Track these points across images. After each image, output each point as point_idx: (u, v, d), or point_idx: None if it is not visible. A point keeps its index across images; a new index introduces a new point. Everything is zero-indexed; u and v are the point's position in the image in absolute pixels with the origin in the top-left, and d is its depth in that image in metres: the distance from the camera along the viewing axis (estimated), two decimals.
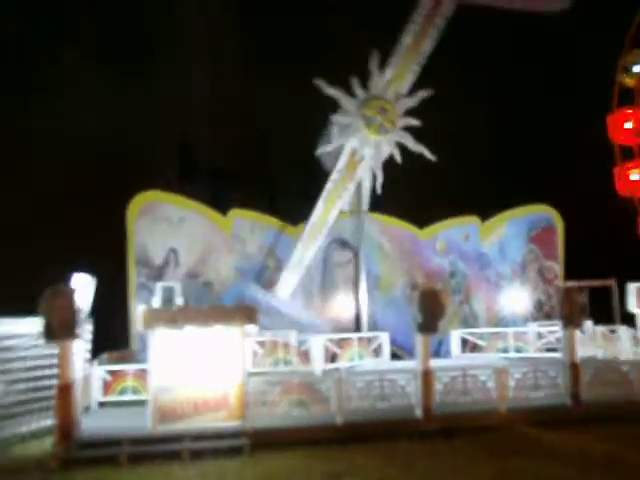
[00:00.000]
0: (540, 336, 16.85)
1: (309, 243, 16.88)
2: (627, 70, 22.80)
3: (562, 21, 20.19)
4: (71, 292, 9.55)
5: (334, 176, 17.06)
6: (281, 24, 22.20)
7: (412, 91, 17.52)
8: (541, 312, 19.76)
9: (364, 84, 17.14)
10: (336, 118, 16.86)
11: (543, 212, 21.00)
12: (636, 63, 22.77)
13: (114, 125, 19.35)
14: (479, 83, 24.11)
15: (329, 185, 17.00)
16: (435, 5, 17.09)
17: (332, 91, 16.68)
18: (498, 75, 24.67)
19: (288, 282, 16.77)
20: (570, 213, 21.30)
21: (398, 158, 17.31)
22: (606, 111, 23.45)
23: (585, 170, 23.32)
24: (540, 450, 9.63)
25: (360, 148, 17.08)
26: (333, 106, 17.25)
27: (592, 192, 23.01)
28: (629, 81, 23.04)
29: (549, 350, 16.32)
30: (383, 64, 17.17)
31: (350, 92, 16.96)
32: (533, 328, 17.23)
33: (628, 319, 16.29)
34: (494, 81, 24.58)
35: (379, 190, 17.60)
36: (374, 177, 17.67)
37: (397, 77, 17.32)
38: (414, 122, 17.34)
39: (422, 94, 17.40)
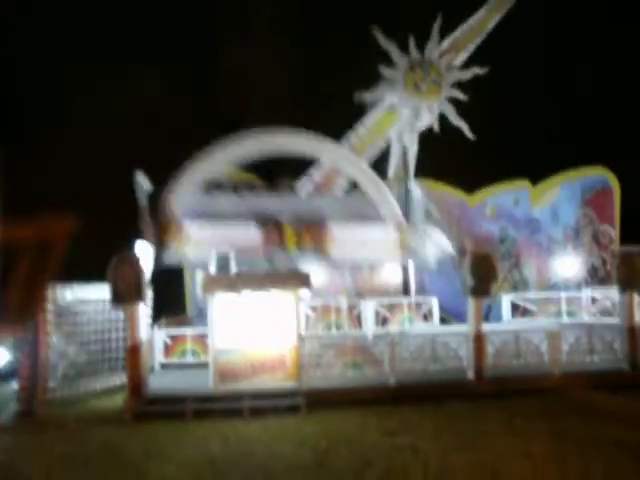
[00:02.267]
0: (594, 301, 16.51)
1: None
2: None
3: None
4: (136, 259, 10.09)
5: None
6: None
7: (466, 65, 17.22)
8: (595, 278, 19.23)
9: (421, 46, 16.88)
10: (383, 69, 16.62)
11: (598, 174, 20.21)
12: None
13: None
14: (535, 41, 23.17)
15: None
16: None
17: (387, 43, 16.46)
18: (555, 33, 23.64)
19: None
20: (628, 175, 20.44)
21: (436, 127, 17.04)
22: None
23: None
24: (596, 413, 9.60)
25: (399, 106, 16.85)
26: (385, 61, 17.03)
27: None
28: None
29: (604, 315, 15.99)
30: (445, 32, 16.87)
31: (405, 50, 16.77)
32: (587, 293, 16.87)
33: None
34: (551, 39, 23.57)
35: (411, 159, 17.48)
36: (421, 142, 17.50)
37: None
38: (460, 95, 16.99)
39: (476, 70, 17.01)
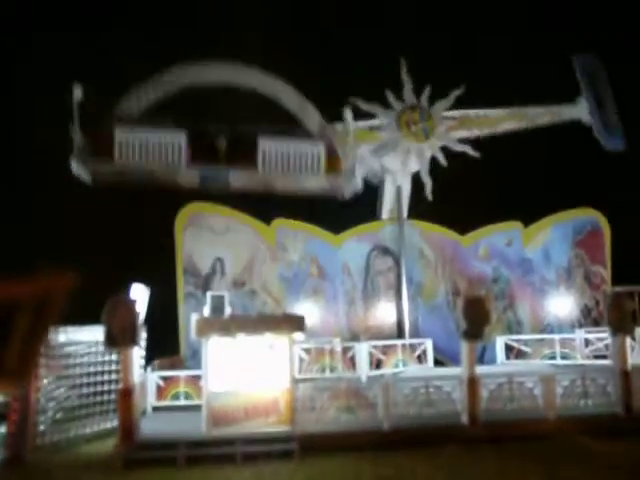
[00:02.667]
0: (588, 343, 16.56)
1: None
2: None
3: None
4: (131, 302, 10.13)
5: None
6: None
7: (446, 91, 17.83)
8: (588, 318, 19.34)
9: (432, 99, 17.56)
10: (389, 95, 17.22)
11: (589, 215, 20.60)
12: None
13: None
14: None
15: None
16: None
17: (370, 107, 17.03)
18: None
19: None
20: (617, 217, 20.81)
21: (442, 161, 17.48)
22: None
23: (633, 171, 22.76)
24: (591, 460, 9.54)
25: (397, 154, 17.33)
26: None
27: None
28: None
29: (597, 357, 16.01)
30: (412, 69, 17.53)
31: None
32: (580, 335, 16.94)
33: None
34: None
35: (429, 196, 17.83)
36: (415, 184, 17.89)
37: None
38: (442, 160, 17.54)
39: (455, 92, 17.59)
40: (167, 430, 10.61)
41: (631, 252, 20.67)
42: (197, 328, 10.45)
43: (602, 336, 15.89)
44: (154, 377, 12.80)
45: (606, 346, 15.55)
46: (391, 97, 17.45)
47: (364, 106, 17.09)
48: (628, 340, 12.20)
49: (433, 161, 17.86)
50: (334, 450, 9.91)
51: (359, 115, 17.06)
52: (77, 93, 13.47)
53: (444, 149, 17.80)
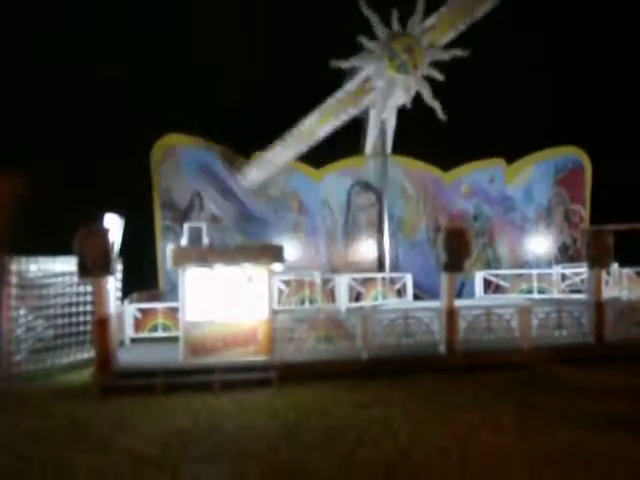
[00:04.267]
0: (564, 278, 16.83)
1: (285, 148, 16.53)
2: None
3: None
4: (104, 230, 9.79)
5: (339, 94, 16.61)
6: None
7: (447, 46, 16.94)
8: (565, 256, 19.59)
9: (404, 20, 16.54)
10: (362, 39, 16.29)
11: (571, 154, 20.45)
12: None
13: (137, 70, 19.06)
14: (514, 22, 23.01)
15: (330, 100, 16.55)
16: None
17: (368, 12, 16.06)
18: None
19: (254, 175, 16.80)
20: (600, 156, 20.69)
21: (408, 105, 16.80)
22: None
23: (618, 112, 22.47)
24: (562, 385, 9.80)
25: (375, 78, 16.59)
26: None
27: (624, 135, 22.25)
28: None
29: (573, 292, 16.32)
30: (430, 8, 16.50)
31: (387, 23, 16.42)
32: (557, 270, 17.17)
33: None
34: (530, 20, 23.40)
35: (389, 135, 17.32)
36: (399, 118, 17.36)
37: (439, 27, 16.65)
38: (438, 76, 16.73)
39: (456, 52, 16.76)
40: (145, 360, 10.57)
41: (611, 192, 20.79)
42: (173, 258, 10.21)
43: (578, 271, 16.13)
44: (131, 309, 12.67)
45: (582, 281, 15.81)
46: (395, 19, 16.44)
47: (365, 9, 16.08)
48: (603, 274, 12.36)
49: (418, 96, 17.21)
50: (312, 379, 10.00)
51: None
52: None
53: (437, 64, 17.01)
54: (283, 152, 16.51)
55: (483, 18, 18.26)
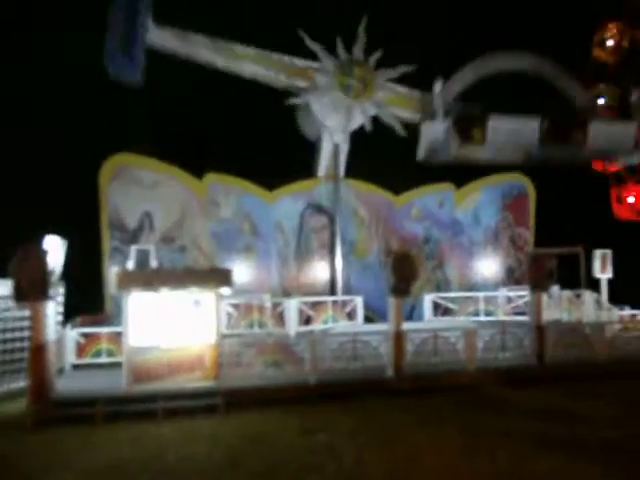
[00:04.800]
0: (509, 300, 17.35)
1: (204, 45, 16.22)
2: (602, 45, 23.27)
3: None
4: (42, 253, 9.43)
5: (288, 58, 16.86)
6: None
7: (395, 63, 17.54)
8: (512, 278, 20.22)
9: (348, 47, 17.01)
10: (314, 73, 16.62)
11: (517, 180, 21.30)
12: (611, 37, 23.25)
13: (84, 83, 18.71)
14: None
15: (279, 55, 16.79)
16: None
17: (314, 45, 16.43)
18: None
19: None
20: (542, 183, 21.66)
21: (368, 127, 17.25)
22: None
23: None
24: (505, 406, 10.06)
25: (331, 109, 16.94)
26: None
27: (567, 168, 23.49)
28: (603, 55, 23.49)
29: (518, 314, 16.83)
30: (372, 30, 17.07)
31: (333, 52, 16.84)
32: (503, 292, 17.70)
33: (594, 284, 16.89)
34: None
35: (342, 159, 17.69)
36: (352, 142, 17.69)
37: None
38: (391, 93, 17.30)
39: (404, 68, 17.39)
40: (86, 387, 10.15)
41: (552, 216, 21.74)
42: (118, 282, 9.94)
43: (522, 294, 16.67)
44: (73, 334, 12.18)
45: (525, 303, 16.33)
46: (340, 46, 16.94)
47: (309, 42, 16.54)
48: (544, 297, 12.83)
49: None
50: (260, 404, 9.87)
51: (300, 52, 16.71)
52: None
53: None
54: (199, 47, 16.18)
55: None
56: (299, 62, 16.91)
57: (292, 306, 14.94)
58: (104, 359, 12.25)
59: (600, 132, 17.31)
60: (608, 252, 16.66)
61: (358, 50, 17.01)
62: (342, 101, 16.90)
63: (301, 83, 17.00)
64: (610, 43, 23.30)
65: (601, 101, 22.67)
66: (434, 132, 16.96)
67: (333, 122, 17.50)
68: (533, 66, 17.95)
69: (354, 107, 17.14)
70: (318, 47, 16.55)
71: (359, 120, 17.44)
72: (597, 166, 24.07)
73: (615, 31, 23.34)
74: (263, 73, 16.66)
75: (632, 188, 24.54)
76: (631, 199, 24.25)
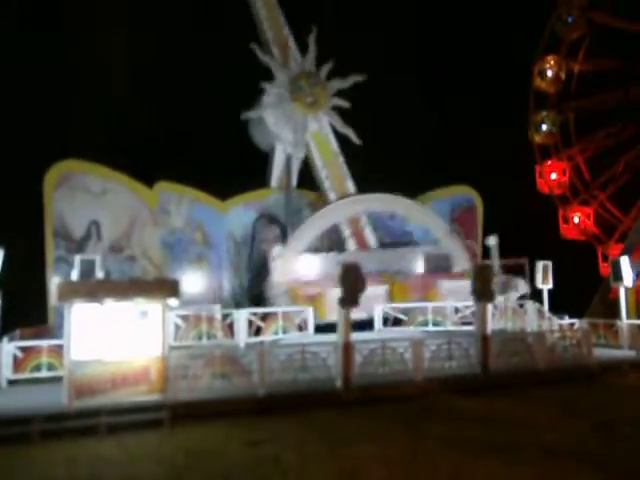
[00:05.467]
0: (457, 310, 17.80)
1: None
2: (542, 75, 24.71)
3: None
4: None
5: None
6: None
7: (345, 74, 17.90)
8: None
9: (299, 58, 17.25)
10: (267, 86, 16.76)
11: (465, 193, 21.97)
12: (549, 68, 24.69)
13: (31, 88, 18.17)
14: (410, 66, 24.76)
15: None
16: None
17: (266, 59, 16.60)
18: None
19: None
20: (490, 197, 22.46)
21: (333, 140, 17.60)
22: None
23: (505, 160, 24.84)
24: (449, 415, 10.27)
25: (286, 120, 17.12)
26: (265, 76, 17.22)
27: (513, 180, 24.55)
28: (544, 85, 24.94)
29: (465, 324, 17.28)
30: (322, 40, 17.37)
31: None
32: (450, 303, 18.14)
33: (537, 294, 17.57)
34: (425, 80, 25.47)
35: (295, 169, 17.89)
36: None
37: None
38: (344, 103, 17.64)
39: (355, 78, 17.79)
40: (22, 405, 9.72)
41: (500, 228, 22.53)
42: (59, 293, 9.60)
43: (468, 304, 17.12)
44: (10, 348, 11.65)
45: (472, 313, 16.78)
46: (292, 59, 17.18)
47: (261, 56, 16.68)
48: (489, 307, 13.25)
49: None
50: (207, 418, 9.71)
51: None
52: None
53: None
54: None
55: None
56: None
57: (242, 317, 14.82)
58: (44, 373, 11.80)
59: None
60: (549, 263, 17.37)
61: (309, 62, 17.27)
62: (295, 113, 17.07)
63: None
64: (549, 74, 24.73)
65: (544, 127, 23.96)
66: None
67: (286, 134, 17.64)
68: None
69: (307, 118, 17.36)
70: (271, 61, 16.71)
71: (312, 130, 17.68)
72: (543, 188, 25.43)
73: (553, 62, 24.80)
74: None
75: (577, 209, 25.87)
76: (576, 219, 25.63)
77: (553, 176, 25.78)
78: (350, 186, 18.90)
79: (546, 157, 26.12)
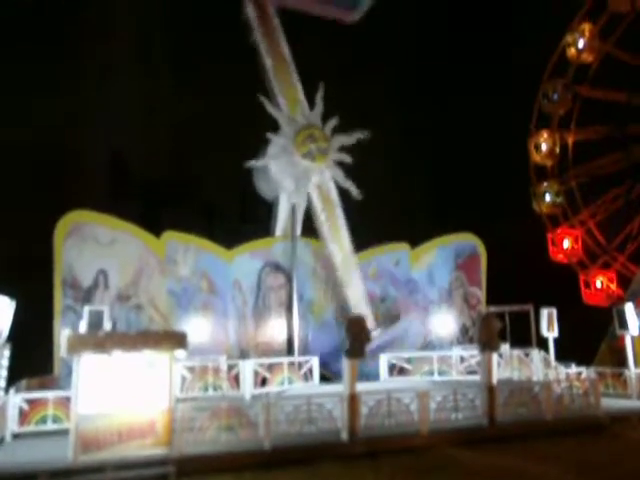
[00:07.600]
0: (462, 359, 17.71)
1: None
2: (537, 149, 25.27)
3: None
4: None
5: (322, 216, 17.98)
6: (219, 38, 22.24)
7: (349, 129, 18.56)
8: (466, 336, 20.71)
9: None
10: (273, 137, 17.33)
11: (469, 240, 22.19)
12: (544, 142, 25.24)
13: (42, 139, 18.77)
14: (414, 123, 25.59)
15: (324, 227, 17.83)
16: None
17: (273, 111, 17.23)
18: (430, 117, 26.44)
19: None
20: (494, 244, 22.68)
21: (334, 192, 18.04)
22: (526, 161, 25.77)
23: (510, 211, 25.26)
24: (456, 468, 10.16)
25: (290, 172, 17.61)
26: (272, 128, 17.83)
27: (515, 227, 24.83)
28: (539, 159, 25.43)
29: (470, 373, 17.16)
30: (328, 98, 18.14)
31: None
32: (456, 352, 18.07)
33: (543, 342, 17.48)
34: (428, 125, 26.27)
35: (299, 218, 18.24)
36: (309, 202, 18.28)
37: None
38: (346, 158, 18.21)
39: (358, 134, 18.42)
40: (27, 459, 9.69)
41: (503, 276, 22.63)
42: (68, 345, 9.74)
43: (474, 353, 17.07)
44: (16, 400, 11.64)
45: (477, 363, 16.71)
46: (298, 112, 17.83)
47: (269, 107, 17.32)
48: (495, 356, 13.23)
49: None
50: (212, 472, 9.65)
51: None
52: None
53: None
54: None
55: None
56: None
57: (247, 368, 14.81)
58: (50, 426, 11.74)
59: None
60: (554, 310, 17.32)
61: (315, 116, 17.92)
62: (300, 164, 17.58)
63: None
64: (544, 148, 25.26)
65: (548, 198, 24.27)
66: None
67: (290, 184, 18.09)
68: None
69: (311, 170, 17.86)
70: (278, 113, 17.34)
71: (317, 181, 18.15)
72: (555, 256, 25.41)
73: (546, 136, 25.35)
74: None
75: (598, 272, 25.59)
76: (599, 283, 25.41)
77: (566, 244, 25.53)
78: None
79: (556, 225, 25.99)
